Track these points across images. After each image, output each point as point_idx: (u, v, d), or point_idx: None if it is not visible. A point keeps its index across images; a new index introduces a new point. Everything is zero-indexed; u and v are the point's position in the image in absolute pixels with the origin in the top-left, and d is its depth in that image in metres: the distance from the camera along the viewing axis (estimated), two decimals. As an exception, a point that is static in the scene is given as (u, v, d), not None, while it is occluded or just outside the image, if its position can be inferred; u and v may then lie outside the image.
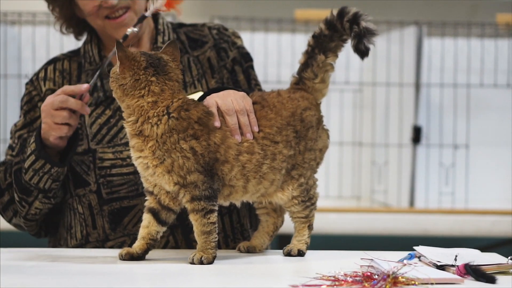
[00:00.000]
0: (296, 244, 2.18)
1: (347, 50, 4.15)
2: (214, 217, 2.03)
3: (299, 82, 2.21)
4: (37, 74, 2.49)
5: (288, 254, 2.16)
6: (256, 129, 2.10)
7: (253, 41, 3.86)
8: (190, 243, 2.34)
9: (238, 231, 2.43)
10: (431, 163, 3.95)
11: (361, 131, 4.09)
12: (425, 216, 3.77)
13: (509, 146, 4.00)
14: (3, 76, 3.80)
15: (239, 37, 2.56)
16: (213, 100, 2.11)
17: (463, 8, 4.39)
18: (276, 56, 3.89)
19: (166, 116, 2.00)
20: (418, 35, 3.89)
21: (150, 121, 2.00)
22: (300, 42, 3.82)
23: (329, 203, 3.88)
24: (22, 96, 2.49)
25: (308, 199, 2.17)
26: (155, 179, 2.04)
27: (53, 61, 2.50)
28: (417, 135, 3.89)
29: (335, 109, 4.02)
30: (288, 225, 2.22)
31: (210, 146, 2.03)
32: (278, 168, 2.11)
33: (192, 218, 2.03)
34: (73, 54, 2.51)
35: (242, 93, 2.16)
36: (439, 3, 4.37)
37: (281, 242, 3.05)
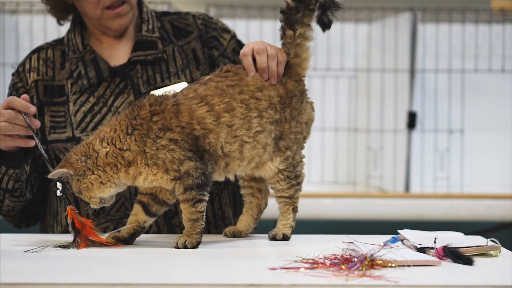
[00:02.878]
0: (281, 228, 2.20)
1: (341, 37, 4.14)
2: (202, 206, 2.05)
3: None
4: (23, 65, 2.51)
5: (273, 238, 2.18)
6: (280, 77, 2.14)
7: (248, 29, 3.87)
8: (172, 229, 2.37)
9: (220, 218, 2.46)
10: (426, 148, 3.96)
11: (356, 117, 4.10)
12: (420, 201, 3.78)
13: (504, 130, 4.01)
14: (1, 65, 3.81)
15: (227, 27, 2.58)
16: (250, 46, 2.16)
17: (457, -6, 4.39)
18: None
19: (128, 136, 2.03)
20: (413, 21, 3.90)
21: (124, 147, 2.03)
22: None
23: (325, 189, 3.90)
24: (9, 86, 2.52)
25: (294, 177, 2.18)
26: (156, 183, 2.06)
27: (37, 50, 2.53)
28: (412, 120, 3.90)
29: (331, 96, 4.04)
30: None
31: (185, 128, 2.04)
32: (268, 130, 2.12)
33: (182, 206, 2.06)
34: (57, 43, 2.54)
35: (279, 47, 2.19)
36: (433, -11, 4.38)
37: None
